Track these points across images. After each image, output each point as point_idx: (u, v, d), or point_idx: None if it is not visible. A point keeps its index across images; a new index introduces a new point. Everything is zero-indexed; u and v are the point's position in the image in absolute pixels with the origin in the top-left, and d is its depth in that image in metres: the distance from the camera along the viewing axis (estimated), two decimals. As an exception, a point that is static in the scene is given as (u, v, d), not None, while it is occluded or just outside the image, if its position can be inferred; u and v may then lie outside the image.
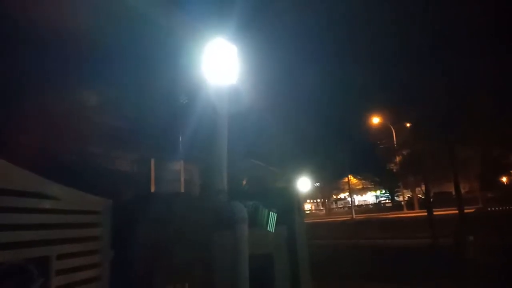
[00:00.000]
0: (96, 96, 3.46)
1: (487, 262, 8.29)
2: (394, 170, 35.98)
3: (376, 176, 48.95)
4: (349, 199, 47.12)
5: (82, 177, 2.58)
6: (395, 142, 30.11)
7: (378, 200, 58.05)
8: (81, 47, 3.17)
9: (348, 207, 47.97)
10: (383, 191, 56.40)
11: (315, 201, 60.21)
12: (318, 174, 41.01)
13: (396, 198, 50.16)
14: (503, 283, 7.10)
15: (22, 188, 1.79)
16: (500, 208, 12.66)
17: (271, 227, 3.70)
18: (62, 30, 3.02)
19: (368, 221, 23.16)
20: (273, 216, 3.73)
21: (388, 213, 33.27)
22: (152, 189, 3.16)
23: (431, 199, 18.20)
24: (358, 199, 58.84)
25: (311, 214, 50.29)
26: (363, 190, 57.72)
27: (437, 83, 15.47)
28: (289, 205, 4.09)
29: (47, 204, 1.94)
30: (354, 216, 31.74)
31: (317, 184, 48.15)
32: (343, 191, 54.78)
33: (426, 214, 15.29)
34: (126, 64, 3.39)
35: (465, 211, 13.82)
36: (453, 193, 18.93)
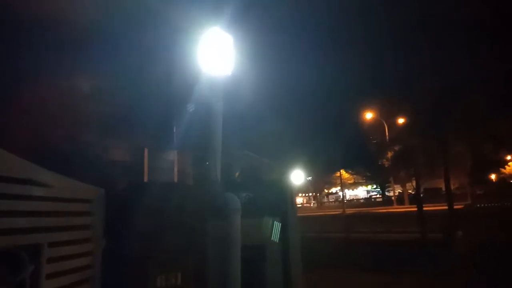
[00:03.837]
0: (90, 84, 3.42)
1: (476, 257, 8.44)
2: (386, 165, 36.33)
3: (367, 171, 49.33)
4: (340, 193, 47.49)
5: (75, 165, 2.56)
6: (387, 138, 30.35)
7: (369, 195, 58.61)
8: (75, 34, 3.12)
9: (339, 201, 48.38)
10: (374, 186, 56.91)
11: (307, 195, 60.53)
12: (310, 168, 41.23)
13: (386, 193, 50.69)
14: (490, 277, 7.24)
15: (13, 174, 1.76)
16: (488, 204, 12.86)
17: (275, 237, 3.73)
18: (55, 17, 2.97)
19: (359, 215, 23.37)
20: (277, 226, 3.76)
21: (379, 208, 33.59)
22: (145, 179, 3.15)
23: (421, 195, 18.42)
24: (350, 193, 59.30)
25: (303, 207, 50.64)
26: (354, 185, 58.15)
27: (430, 79, 15.57)
28: (282, 197, 4.10)
29: (38, 191, 1.91)
30: (345, 210, 31.99)
31: (309, 178, 48.39)
32: (334, 185, 55.18)
33: (416, 209, 15.47)
34: (120, 52, 3.35)
35: (455, 207, 14.02)
36: (443, 189, 19.19)
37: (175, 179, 3.36)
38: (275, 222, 3.77)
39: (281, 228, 3.88)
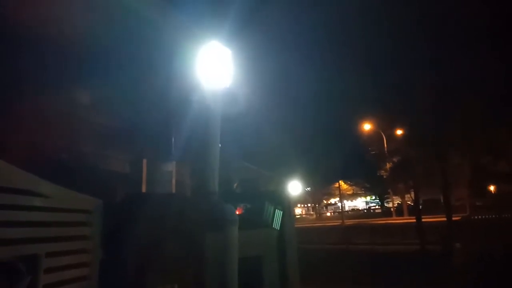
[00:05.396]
0: (89, 95, 3.45)
1: (474, 268, 8.40)
2: (385, 177, 36.30)
3: (366, 182, 49.25)
4: (339, 204, 47.30)
5: (73, 176, 2.57)
6: (386, 149, 30.40)
7: (368, 206, 58.40)
8: (75, 46, 3.17)
9: (338, 212, 48.21)
10: (373, 197, 56.73)
11: (305, 205, 60.28)
12: (309, 178, 41.17)
13: (385, 204, 50.50)
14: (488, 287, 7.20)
15: (12, 185, 1.77)
16: (486, 216, 12.84)
17: (277, 225, 3.73)
18: (55, 28, 3.01)
19: (358, 226, 23.28)
20: (278, 213, 3.76)
21: (378, 219, 33.45)
22: (144, 189, 3.16)
23: (420, 206, 18.39)
24: (348, 204, 59.08)
25: (302, 218, 50.40)
26: (353, 196, 57.98)
27: (429, 91, 15.65)
28: (280, 208, 4.10)
29: (37, 202, 1.93)
30: (344, 221, 31.82)
31: (308, 188, 48.27)
32: (333, 196, 54.98)
33: (414, 220, 15.42)
34: (120, 65, 3.39)
35: (453, 218, 13.99)
36: (442, 200, 19.16)
37: (173, 190, 3.37)
38: (276, 210, 3.77)
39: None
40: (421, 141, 16.74)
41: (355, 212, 52.76)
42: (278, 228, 3.76)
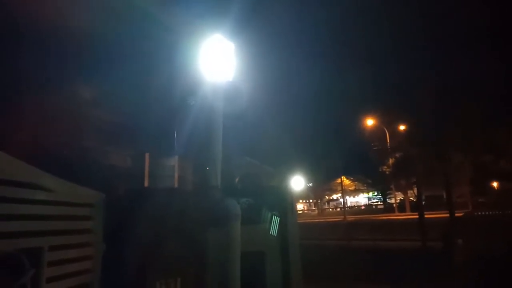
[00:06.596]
0: (91, 90, 3.44)
1: (475, 266, 8.40)
2: (387, 173, 36.22)
3: (368, 178, 49.18)
4: (341, 200, 47.36)
5: (76, 171, 2.57)
6: (388, 145, 30.29)
7: (370, 201, 58.34)
8: (77, 42, 3.16)
9: (340, 208, 48.26)
10: (376, 193, 56.62)
11: (307, 201, 60.29)
12: (311, 174, 41.14)
13: (388, 200, 50.42)
14: (490, 285, 7.20)
15: (16, 178, 1.78)
16: (488, 213, 12.83)
17: (274, 231, 3.75)
18: (57, 24, 3.00)
19: (360, 222, 23.29)
20: (275, 219, 3.77)
21: (380, 215, 33.44)
22: (146, 184, 3.16)
23: (423, 202, 18.38)
24: (350, 200, 59.04)
25: (304, 214, 50.45)
26: (355, 192, 57.88)
27: (429, 91, 15.63)
28: (282, 204, 4.11)
29: (40, 195, 1.93)
30: (346, 217, 31.84)
31: (310, 184, 48.23)
32: (335, 192, 54.92)
33: (417, 216, 15.43)
34: (122, 59, 3.38)
35: (455, 215, 13.98)
36: (445, 196, 19.15)
37: (176, 185, 3.38)
38: (273, 216, 3.78)
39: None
40: (422, 141, 16.75)
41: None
42: (275, 234, 3.77)
